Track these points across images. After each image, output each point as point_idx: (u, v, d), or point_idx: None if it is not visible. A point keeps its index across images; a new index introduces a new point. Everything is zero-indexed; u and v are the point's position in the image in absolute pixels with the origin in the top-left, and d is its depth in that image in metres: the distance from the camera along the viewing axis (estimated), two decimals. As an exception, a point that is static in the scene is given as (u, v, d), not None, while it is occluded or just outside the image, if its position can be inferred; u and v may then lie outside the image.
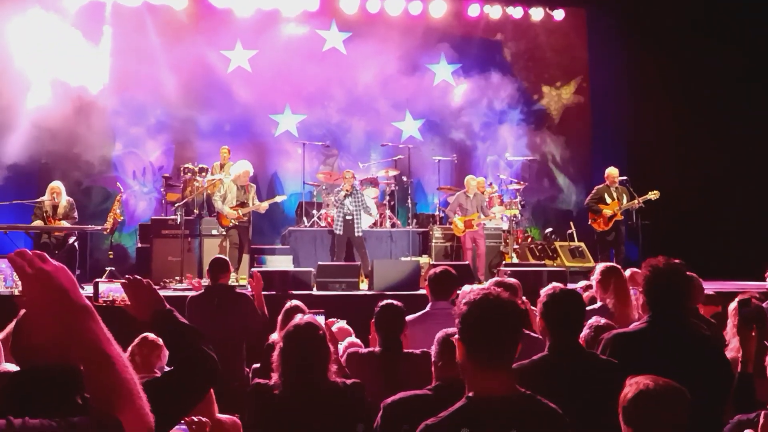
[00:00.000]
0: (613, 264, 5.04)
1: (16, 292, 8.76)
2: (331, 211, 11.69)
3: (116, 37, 12.68)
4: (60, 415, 1.53)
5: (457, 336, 2.21)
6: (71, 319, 1.63)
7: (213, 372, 2.28)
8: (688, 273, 3.25)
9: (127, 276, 2.44)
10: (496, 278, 5.54)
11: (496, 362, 2.14)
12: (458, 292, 4.64)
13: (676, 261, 3.24)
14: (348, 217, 10.54)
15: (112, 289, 2.50)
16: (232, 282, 8.63)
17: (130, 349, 4.30)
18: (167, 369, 3.26)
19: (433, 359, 3.13)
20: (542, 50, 15.06)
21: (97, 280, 2.54)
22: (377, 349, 4.02)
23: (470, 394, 2.15)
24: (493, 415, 2.08)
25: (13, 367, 2.76)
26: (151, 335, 4.32)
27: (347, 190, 10.61)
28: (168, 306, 2.35)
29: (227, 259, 6.63)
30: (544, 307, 3.10)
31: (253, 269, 8.80)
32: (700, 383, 2.47)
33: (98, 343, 1.63)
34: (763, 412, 1.94)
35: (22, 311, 2.13)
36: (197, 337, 2.28)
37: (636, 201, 10.37)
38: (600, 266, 5.01)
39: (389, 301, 4.15)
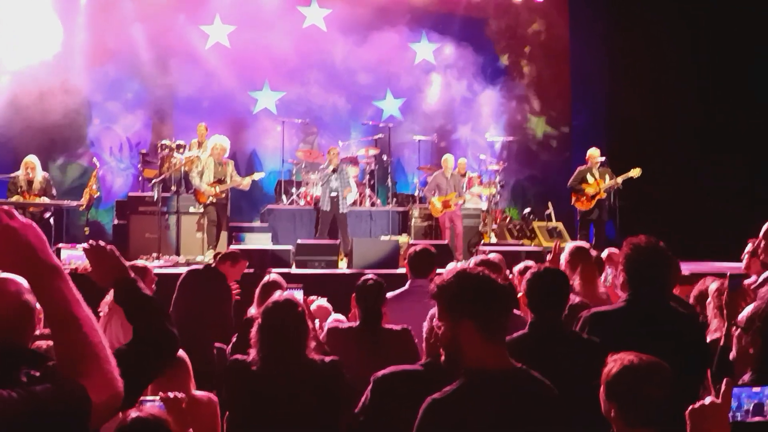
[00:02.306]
0: (582, 244, 5.02)
1: None
2: (311, 189, 11.63)
3: (93, 9, 12.45)
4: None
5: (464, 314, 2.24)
6: (39, 277, 1.60)
7: (172, 348, 2.24)
8: (667, 252, 3.25)
9: (89, 241, 2.36)
10: (480, 256, 5.54)
11: (498, 336, 2.24)
12: (438, 270, 4.65)
13: (657, 240, 3.24)
14: (333, 194, 10.49)
15: (74, 256, 2.45)
16: (209, 260, 8.57)
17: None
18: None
19: (424, 335, 3.11)
20: (523, 29, 15.03)
21: (59, 245, 2.49)
22: (357, 323, 4.02)
23: (470, 368, 2.21)
24: (495, 387, 2.17)
25: None
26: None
27: (335, 166, 10.56)
28: (132, 275, 2.30)
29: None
30: (528, 285, 3.10)
31: (232, 248, 8.72)
32: (678, 362, 2.47)
33: (66, 304, 1.59)
34: (725, 379, 1.96)
35: None
36: (160, 311, 2.24)
37: (617, 180, 10.41)
38: (568, 246, 4.99)
39: (368, 275, 4.15)
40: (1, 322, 1.98)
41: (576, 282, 4.69)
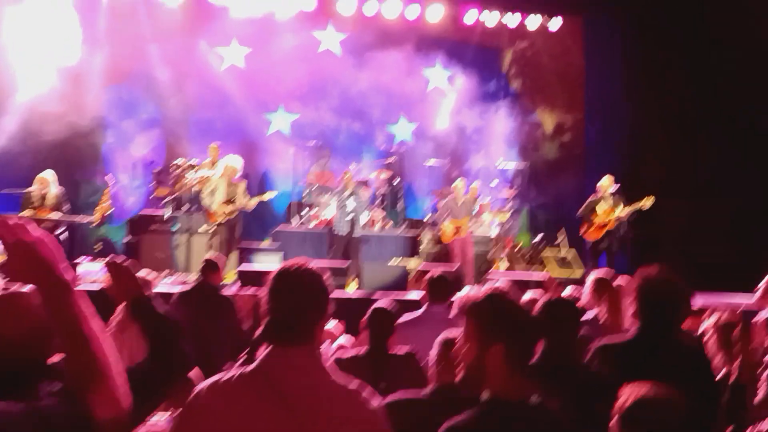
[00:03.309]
0: (604, 274, 4.99)
1: None
2: (323, 212, 11.65)
3: (110, 29, 12.59)
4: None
5: (496, 337, 2.19)
6: (51, 292, 1.60)
7: (184, 368, 2.24)
8: (681, 285, 3.22)
9: (111, 256, 2.39)
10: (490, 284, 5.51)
11: (524, 366, 2.20)
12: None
13: (671, 271, 3.21)
14: (350, 217, 10.50)
15: (92, 270, 2.48)
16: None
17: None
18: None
19: (431, 362, 3.08)
20: (538, 58, 15.09)
21: (76, 260, 2.52)
22: (363, 349, 3.98)
23: (491, 397, 2.16)
24: (514, 418, 2.13)
25: None
26: None
27: (351, 190, 10.59)
28: (149, 293, 2.31)
29: (217, 259, 6.56)
30: (541, 315, 3.06)
31: (240, 269, 8.74)
32: (689, 396, 2.44)
33: (76, 320, 1.60)
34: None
35: None
36: (174, 330, 2.24)
37: (629, 209, 10.34)
38: (593, 275, 4.96)
39: (382, 305, 4.09)
40: (22, 336, 1.99)
41: (601, 312, 4.65)
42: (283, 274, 2.11)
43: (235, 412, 1.97)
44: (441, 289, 4.77)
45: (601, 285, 4.72)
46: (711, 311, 4.03)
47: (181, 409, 2.03)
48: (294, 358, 2.03)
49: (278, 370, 2.01)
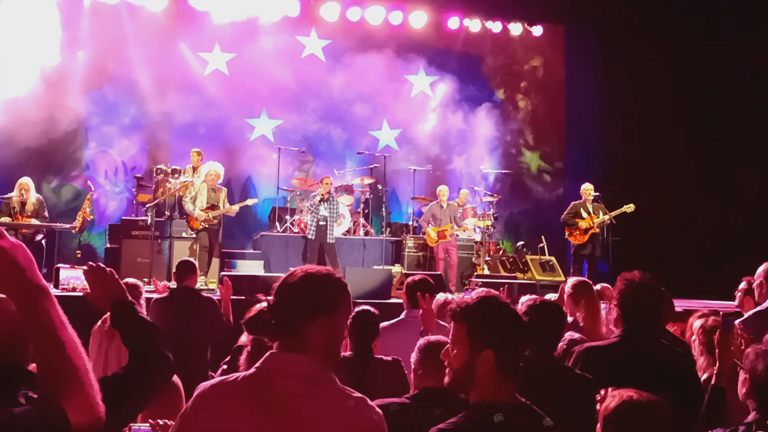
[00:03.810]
0: (585, 279, 5.03)
1: None
2: (305, 217, 11.64)
3: (93, 33, 12.52)
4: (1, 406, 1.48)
5: (487, 342, 2.18)
6: (25, 298, 1.59)
7: (167, 373, 2.23)
8: (661, 288, 3.25)
9: (89, 263, 2.37)
10: (479, 289, 5.53)
11: (512, 371, 2.19)
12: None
13: (651, 276, 3.24)
14: (321, 223, 10.49)
15: (72, 276, 2.46)
16: (200, 285, 8.54)
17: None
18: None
19: (413, 367, 3.08)
20: (520, 65, 15.22)
21: (58, 265, 2.50)
22: (348, 353, 3.98)
23: (479, 400, 2.16)
24: (501, 421, 2.12)
25: None
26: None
27: (323, 195, 10.56)
28: (130, 298, 2.30)
29: (194, 261, 6.55)
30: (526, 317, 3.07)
31: (223, 274, 8.70)
32: (672, 399, 2.46)
33: (51, 325, 1.59)
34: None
35: None
36: (156, 335, 2.24)
37: (610, 215, 10.46)
38: (571, 281, 4.98)
39: (365, 307, 4.10)
40: (2, 341, 1.97)
41: (580, 317, 4.68)
42: (287, 279, 2.09)
43: (234, 414, 1.96)
44: (419, 294, 4.77)
45: (579, 290, 4.74)
46: (696, 315, 4.08)
47: (183, 409, 2.02)
48: (293, 363, 2.01)
49: (277, 375, 2.00)
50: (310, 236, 10.52)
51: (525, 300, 3.21)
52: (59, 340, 1.59)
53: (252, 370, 2.03)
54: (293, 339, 2.03)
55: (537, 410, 2.21)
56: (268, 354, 2.05)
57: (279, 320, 2.05)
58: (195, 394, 2.03)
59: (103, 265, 2.34)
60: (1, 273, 1.58)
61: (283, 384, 1.97)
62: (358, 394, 2.05)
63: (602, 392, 2.31)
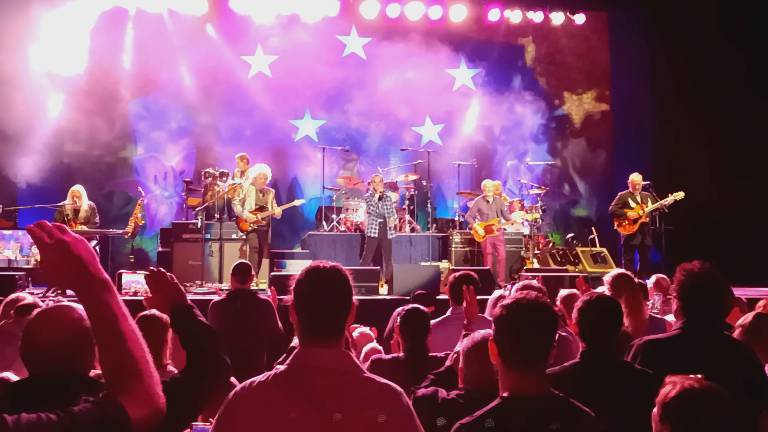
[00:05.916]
0: (625, 271, 4.87)
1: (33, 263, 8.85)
2: (352, 215, 11.68)
3: (138, 42, 12.76)
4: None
5: (491, 338, 2.27)
6: (88, 290, 1.62)
7: (224, 376, 2.26)
8: (721, 278, 3.16)
9: (150, 268, 2.43)
10: (522, 282, 5.47)
11: (529, 364, 2.21)
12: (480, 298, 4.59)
13: (711, 266, 3.16)
14: (380, 220, 10.51)
15: (134, 281, 2.52)
16: (252, 286, 8.62)
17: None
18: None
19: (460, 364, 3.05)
20: (563, 54, 14.98)
21: (120, 271, 2.55)
22: (401, 354, 3.96)
23: (504, 394, 2.20)
24: (525, 414, 2.14)
25: (14, 377, 2.75)
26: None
27: (380, 194, 10.60)
28: (189, 302, 2.33)
29: (250, 263, 6.62)
30: (580, 313, 3.01)
31: (273, 274, 8.79)
32: (734, 391, 2.39)
33: (112, 317, 1.62)
34: None
35: (34, 313, 2.13)
36: (214, 338, 2.27)
37: (662, 203, 10.25)
38: (611, 273, 4.83)
39: (415, 305, 4.08)
40: (63, 348, 2.02)
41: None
42: (310, 275, 2.12)
43: (271, 412, 1.99)
44: (461, 290, 4.72)
45: (620, 282, 4.60)
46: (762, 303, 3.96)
47: (219, 410, 2.05)
48: (325, 357, 2.06)
49: (310, 370, 2.04)
50: (372, 234, 10.53)
51: (565, 294, 3.14)
52: (120, 331, 1.62)
53: (283, 367, 2.08)
54: (332, 335, 2.09)
55: (572, 401, 2.21)
56: (297, 351, 2.10)
57: (322, 320, 2.09)
58: (229, 396, 2.07)
59: (163, 270, 2.38)
60: (65, 266, 1.61)
61: (318, 378, 2.02)
62: (386, 381, 2.10)
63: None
